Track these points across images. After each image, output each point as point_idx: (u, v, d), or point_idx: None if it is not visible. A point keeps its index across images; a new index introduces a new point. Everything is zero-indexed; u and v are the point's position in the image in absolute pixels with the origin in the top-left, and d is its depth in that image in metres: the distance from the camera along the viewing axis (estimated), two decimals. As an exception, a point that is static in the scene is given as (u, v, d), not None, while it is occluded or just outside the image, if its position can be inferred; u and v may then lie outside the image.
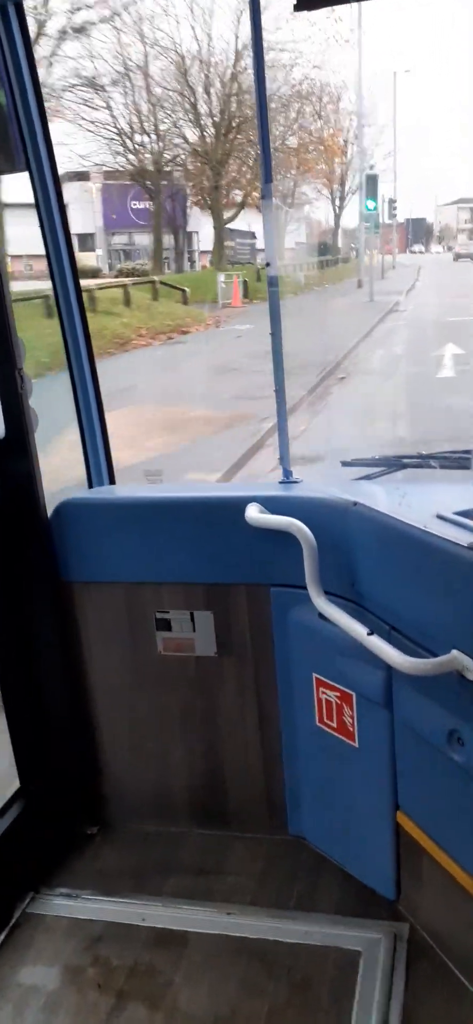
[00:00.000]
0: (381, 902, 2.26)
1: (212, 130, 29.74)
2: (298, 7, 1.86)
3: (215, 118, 29.11)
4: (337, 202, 39.36)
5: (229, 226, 34.09)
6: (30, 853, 2.47)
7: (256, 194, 34.92)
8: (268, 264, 2.29)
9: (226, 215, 32.99)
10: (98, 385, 2.62)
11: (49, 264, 2.46)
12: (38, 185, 2.36)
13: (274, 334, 2.34)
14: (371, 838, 2.26)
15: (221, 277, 24.81)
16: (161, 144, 28.60)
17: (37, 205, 2.39)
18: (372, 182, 22.78)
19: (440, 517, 1.90)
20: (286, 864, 2.47)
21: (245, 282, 26.79)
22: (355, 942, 2.16)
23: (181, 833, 2.63)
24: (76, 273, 2.51)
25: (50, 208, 2.39)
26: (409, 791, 2.10)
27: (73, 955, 2.23)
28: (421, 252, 56.69)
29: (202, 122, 29.52)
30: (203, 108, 28.82)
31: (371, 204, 22.42)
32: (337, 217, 38.23)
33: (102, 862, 2.57)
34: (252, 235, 38.56)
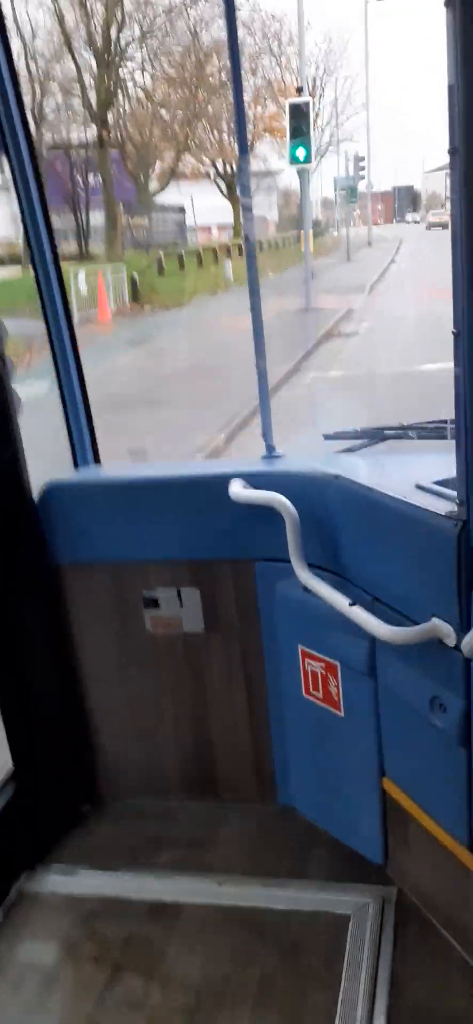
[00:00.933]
0: (369, 867, 2.30)
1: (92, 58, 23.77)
2: None
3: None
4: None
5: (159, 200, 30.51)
6: (24, 832, 2.50)
7: (191, 160, 31.41)
8: (246, 239, 2.28)
9: (153, 186, 29.77)
10: (81, 365, 2.62)
11: (29, 245, 2.45)
12: (16, 167, 2.34)
13: (253, 308, 2.34)
14: (358, 805, 2.30)
15: (81, 275, 16.06)
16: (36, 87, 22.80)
17: (16, 187, 2.37)
18: (299, 115, 13.71)
19: (419, 487, 1.92)
20: (276, 833, 2.51)
21: (134, 280, 18.88)
22: (344, 906, 2.20)
23: (173, 807, 2.67)
24: (56, 254, 2.50)
25: (29, 190, 2.37)
26: (394, 758, 2.14)
27: (69, 931, 2.26)
28: (416, 222, 55.45)
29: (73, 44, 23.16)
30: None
31: (301, 152, 13.94)
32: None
33: (96, 838, 2.61)
34: (179, 209, 33.77)
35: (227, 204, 34.16)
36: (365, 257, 30.80)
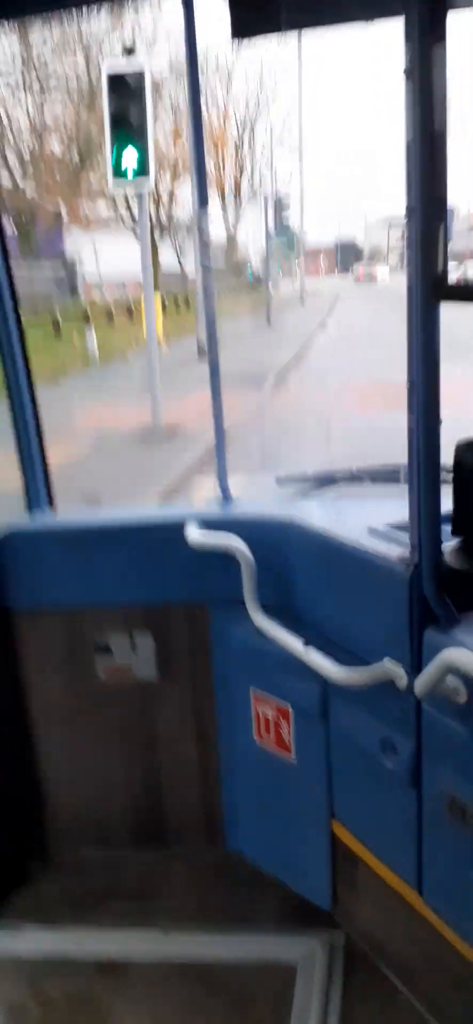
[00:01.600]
0: (318, 913, 2.28)
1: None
2: (234, 35, 1.92)
3: None
4: (230, 213, 32.67)
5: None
6: None
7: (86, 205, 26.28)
8: (206, 292, 2.34)
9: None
10: (37, 408, 2.60)
11: None
12: None
13: (210, 352, 2.38)
14: (307, 849, 2.29)
15: None
16: None
17: None
18: (124, 94, 7.29)
19: (372, 531, 1.97)
20: (224, 881, 2.47)
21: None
22: (293, 954, 2.18)
23: (121, 857, 2.60)
24: (15, 294, 2.49)
25: None
26: (344, 800, 2.15)
27: (14, 993, 2.17)
28: (371, 278, 53.11)
29: None
30: None
31: (130, 158, 7.44)
32: (231, 235, 31.70)
33: (43, 894, 2.52)
34: (64, 259, 27.08)
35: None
36: (292, 318, 25.93)
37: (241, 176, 31.93)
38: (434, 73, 1.38)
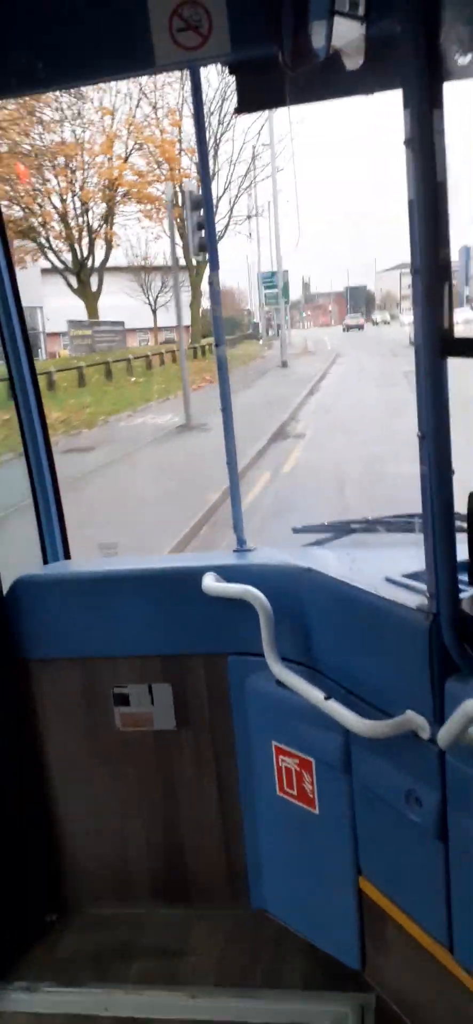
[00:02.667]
0: (347, 972, 2.24)
1: None
2: (238, 111, 2.00)
3: None
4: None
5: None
6: None
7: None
8: (217, 345, 2.39)
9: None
10: (53, 461, 2.65)
11: (3, 345, 2.51)
12: None
13: (225, 409, 2.42)
14: (334, 907, 2.25)
15: None
16: None
17: None
18: None
19: (389, 580, 1.97)
20: (249, 940, 2.43)
21: None
22: (322, 1017, 2.13)
23: (142, 913, 2.57)
24: (30, 351, 2.56)
25: (4, 291, 2.45)
26: (370, 856, 2.12)
27: None
28: (359, 327, 51.03)
29: None
30: None
31: None
32: (193, 273, 25.34)
33: (62, 950, 2.49)
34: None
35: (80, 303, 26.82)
36: (279, 382, 20.84)
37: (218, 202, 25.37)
38: (433, 140, 1.42)
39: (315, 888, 2.31)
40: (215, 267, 2.26)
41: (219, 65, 1.99)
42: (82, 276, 26.43)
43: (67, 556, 2.72)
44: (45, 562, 2.69)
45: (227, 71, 1.96)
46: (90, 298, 27.33)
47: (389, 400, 14.72)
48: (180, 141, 24.29)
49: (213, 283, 2.29)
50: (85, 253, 26.30)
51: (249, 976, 2.31)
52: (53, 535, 2.68)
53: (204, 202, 2.28)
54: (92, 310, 27.65)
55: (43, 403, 2.62)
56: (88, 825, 2.60)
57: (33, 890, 2.58)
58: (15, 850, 2.51)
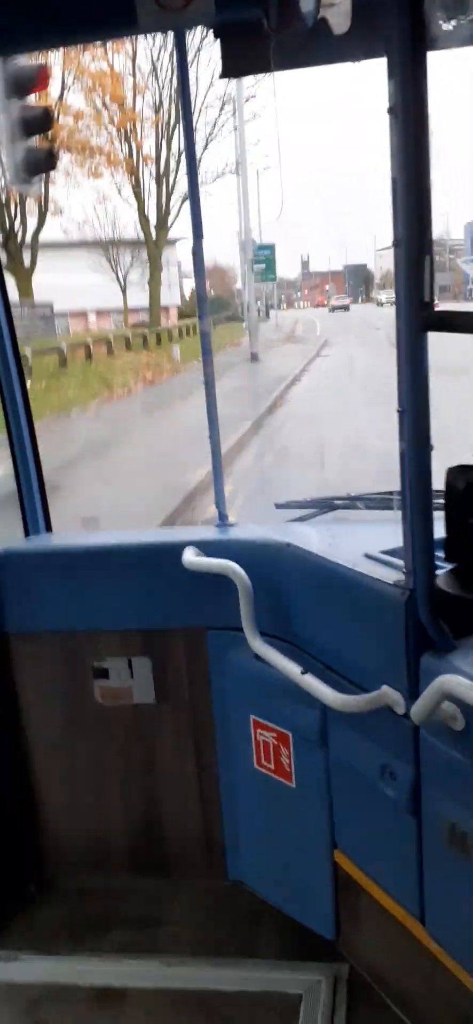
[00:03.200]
0: (321, 943, 2.26)
1: None
2: (223, 75, 1.97)
3: None
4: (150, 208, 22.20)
5: None
6: None
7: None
8: (200, 318, 2.36)
9: None
10: (34, 433, 2.62)
11: None
12: None
13: (207, 384, 2.40)
14: (309, 878, 2.27)
15: None
16: None
17: None
18: None
19: (368, 556, 1.97)
20: (226, 910, 2.46)
21: None
22: (295, 985, 2.16)
23: (120, 885, 2.59)
24: (11, 319, 2.53)
25: None
26: (345, 829, 2.14)
27: (11, 1021, 2.15)
28: (344, 308, 48.77)
29: None
30: None
31: None
32: (153, 239, 22.11)
33: (40, 921, 2.51)
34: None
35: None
36: (229, 393, 11.84)
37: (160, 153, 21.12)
38: (417, 109, 1.41)
39: (291, 860, 2.33)
40: (198, 235, 2.23)
41: (203, 29, 1.95)
42: (10, 248, 21.23)
43: (48, 529, 2.70)
44: (26, 535, 2.67)
45: (212, 35, 1.93)
46: (21, 275, 21.72)
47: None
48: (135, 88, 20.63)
49: (196, 253, 2.25)
50: (12, 221, 21.40)
51: (225, 946, 2.33)
52: (34, 507, 2.66)
53: (188, 169, 2.24)
54: (25, 289, 21.73)
55: (24, 373, 2.59)
56: (68, 797, 2.61)
57: (12, 861, 2.59)
58: None
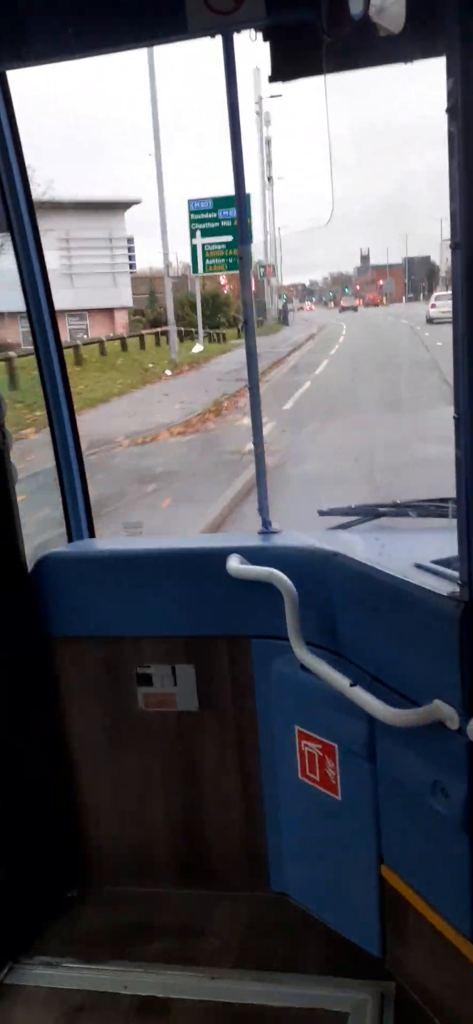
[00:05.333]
0: (367, 959, 2.22)
1: None
2: (273, 78, 1.95)
3: None
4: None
5: None
6: (8, 921, 2.39)
7: None
8: (245, 323, 2.34)
9: None
10: (78, 438, 2.64)
11: (30, 322, 2.50)
12: (20, 249, 2.40)
13: (252, 388, 2.38)
14: (355, 893, 2.23)
15: None
16: None
17: (19, 265, 2.43)
18: None
19: (418, 566, 1.93)
20: (270, 923, 2.42)
21: None
22: (342, 1003, 2.12)
23: (162, 893, 2.57)
24: (57, 329, 2.55)
25: (32, 268, 2.43)
26: (393, 844, 2.09)
27: None
28: (353, 309, 44.91)
29: None
30: None
31: None
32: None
33: (83, 927, 2.51)
34: None
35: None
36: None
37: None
38: None
39: (336, 874, 2.29)
40: (245, 240, 2.21)
41: (252, 31, 1.93)
42: None
43: (91, 534, 2.71)
44: (69, 540, 2.68)
45: (261, 37, 1.91)
46: None
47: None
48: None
49: (243, 257, 2.24)
50: None
51: (269, 959, 2.30)
52: (78, 513, 2.67)
53: (235, 176, 2.23)
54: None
55: (69, 380, 2.60)
56: (110, 804, 2.61)
57: (55, 866, 2.59)
58: (38, 826, 2.52)
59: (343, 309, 48.84)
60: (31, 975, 2.32)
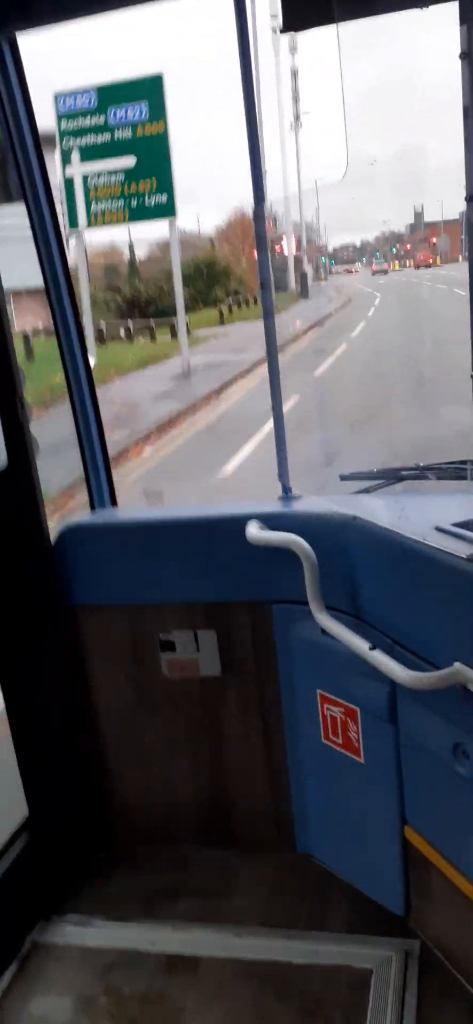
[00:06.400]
0: (391, 918, 2.24)
1: None
2: (286, 28, 1.89)
3: None
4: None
5: None
6: (40, 881, 2.46)
7: None
8: (262, 285, 2.30)
9: None
10: (98, 408, 2.64)
11: (48, 293, 2.49)
12: (35, 217, 2.39)
13: (270, 356, 2.36)
14: (379, 854, 2.24)
15: None
16: None
17: (35, 237, 2.42)
18: None
19: (439, 529, 1.90)
20: (294, 882, 2.45)
21: None
22: (366, 960, 2.14)
23: (189, 855, 2.62)
24: (75, 301, 2.54)
25: (48, 239, 2.42)
26: (416, 805, 2.09)
27: (84, 985, 2.21)
28: (384, 272, 41.87)
29: None
30: None
31: None
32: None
33: (112, 887, 2.57)
34: None
35: None
36: None
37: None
38: None
39: (360, 835, 2.31)
40: (260, 198, 2.16)
41: None
42: None
43: (114, 503, 2.73)
44: (92, 508, 2.70)
45: None
46: None
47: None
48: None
49: (258, 217, 2.20)
50: None
51: (294, 918, 2.33)
52: (100, 482, 2.69)
53: (248, 128, 2.17)
54: None
55: (87, 350, 2.60)
56: (136, 769, 2.65)
57: (84, 829, 2.65)
58: (66, 791, 2.57)
59: (374, 273, 47.33)
60: (62, 933, 2.39)
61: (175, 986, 2.17)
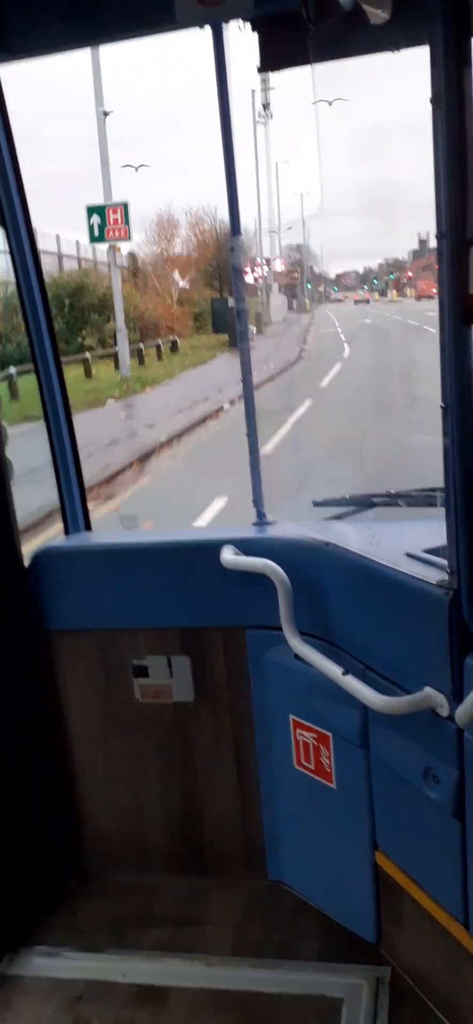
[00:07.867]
0: (362, 945, 2.24)
1: None
2: (263, 68, 1.95)
3: None
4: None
5: None
6: (7, 911, 2.42)
7: None
8: (238, 314, 2.35)
9: None
10: (74, 435, 2.64)
11: (24, 316, 2.50)
12: (13, 240, 2.41)
13: (245, 378, 2.39)
14: (350, 880, 2.25)
15: None
16: None
17: (13, 259, 2.43)
18: None
19: (410, 555, 1.94)
20: (266, 910, 2.44)
21: None
22: (337, 989, 2.14)
23: (160, 882, 2.59)
24: (51, 324, 2.55)
25: (25, 262, 2.44)
26: (387, 831, 2.10)
27: (53, 1018, 2.17)
28: (365, 302, 39.29)
29: None
30: None
31: None
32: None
33: (81, 917, 2.53)
34: None
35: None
36: None
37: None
38: (459, 98, 1.37)
39: (332, 861, 2.31)
40: (236, 232, 2.21)
41: (240, 22, 1.93)
42: None
43: (88, 527, 2.72)
44: (66, 533, 2.69)
45: (249, 28, 1.91)
46: None
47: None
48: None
49: (234, 248, 2.25)
50: None
51: (265, 946, 2.32)
52: (74, 507, 2.68)
53: (226, 170, 2.23)
54: None
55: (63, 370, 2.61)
56: (107, 795, 2.62)
57: (53, 857, 2.62)
58: (35, 817, 2.54)
59: (356, 303, 47.40)
60: (31, 965, 2.35)
61: (145, 1017, 2.14)
